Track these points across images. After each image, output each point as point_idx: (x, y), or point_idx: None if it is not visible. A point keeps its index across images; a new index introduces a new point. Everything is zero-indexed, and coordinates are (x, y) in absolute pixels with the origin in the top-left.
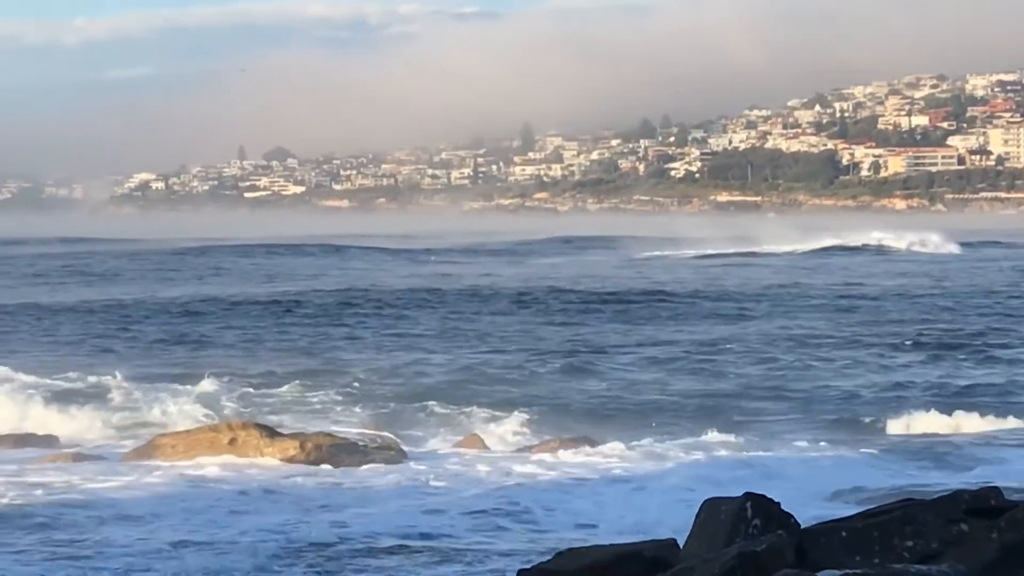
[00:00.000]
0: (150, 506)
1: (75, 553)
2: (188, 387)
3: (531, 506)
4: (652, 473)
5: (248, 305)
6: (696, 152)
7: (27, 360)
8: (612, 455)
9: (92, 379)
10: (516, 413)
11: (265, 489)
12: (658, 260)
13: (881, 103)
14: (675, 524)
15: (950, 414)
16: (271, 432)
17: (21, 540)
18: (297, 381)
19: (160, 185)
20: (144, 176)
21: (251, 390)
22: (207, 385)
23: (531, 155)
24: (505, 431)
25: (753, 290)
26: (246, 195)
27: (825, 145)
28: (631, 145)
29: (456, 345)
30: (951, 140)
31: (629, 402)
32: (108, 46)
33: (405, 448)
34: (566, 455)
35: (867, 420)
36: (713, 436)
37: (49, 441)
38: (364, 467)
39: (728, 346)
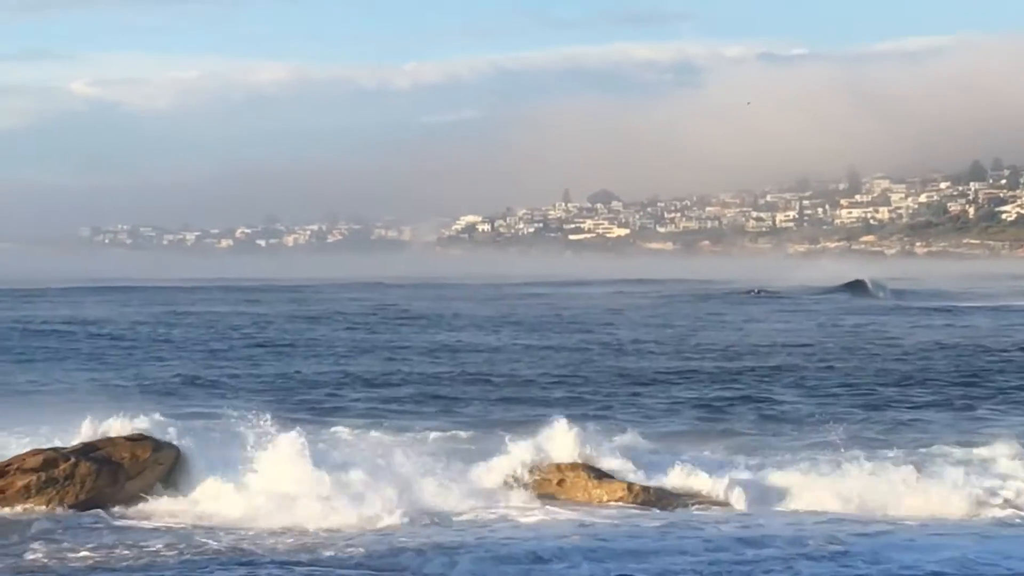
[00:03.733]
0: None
1: None
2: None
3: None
4: None
5: None
6: None
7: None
8: None
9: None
10: None
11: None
12: None
13: None
14: None
15: None
16: (599, 474)
17: None
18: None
19: (486, 227)
20: (470, 218)
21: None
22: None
23: (857, 198)
24: None
25: None
26: (570, 237)
27: None
28: (960, 188)
29: None
30: None
31: None
32: (437, 90)
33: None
34: None
35: None
36: None
37: None
38: (695, 511)
39: None
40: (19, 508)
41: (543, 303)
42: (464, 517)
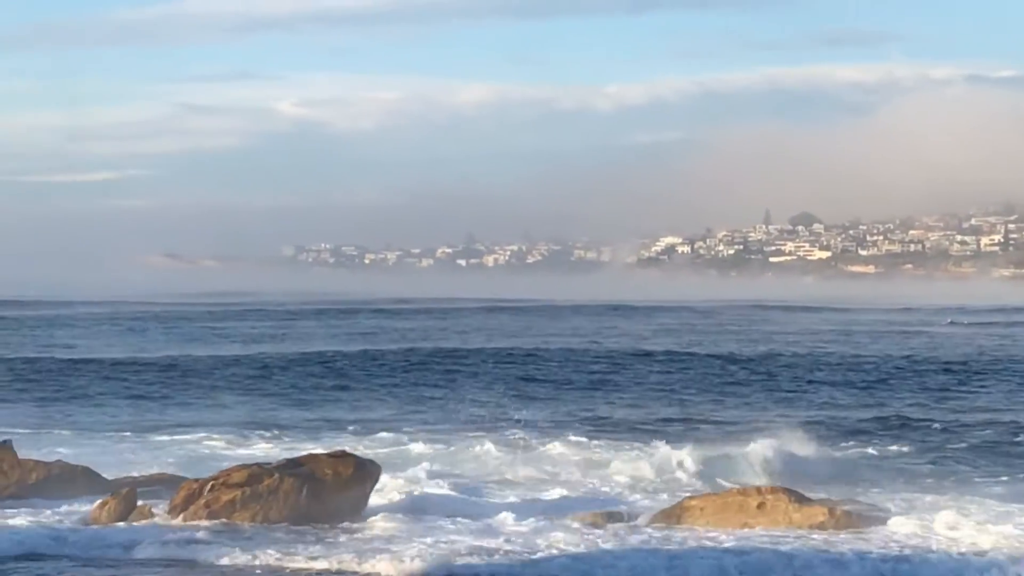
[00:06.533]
0: None
1: None
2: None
3: None
4: None
5: None
6: None
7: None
8: None
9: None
10: None
11: None
12: None
13: None
14: None
15: None
16: (800, 497)
17: None
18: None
19: (686, 249)
20: (670, 240)
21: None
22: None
23: None
24: None
25: None
26: (771, 260)
27: None
28: None
29: None
30: None
31: None
32: (639, 111)
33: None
34: None
35: None
36: None
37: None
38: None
39: None
40: (224, 522)
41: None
42: None
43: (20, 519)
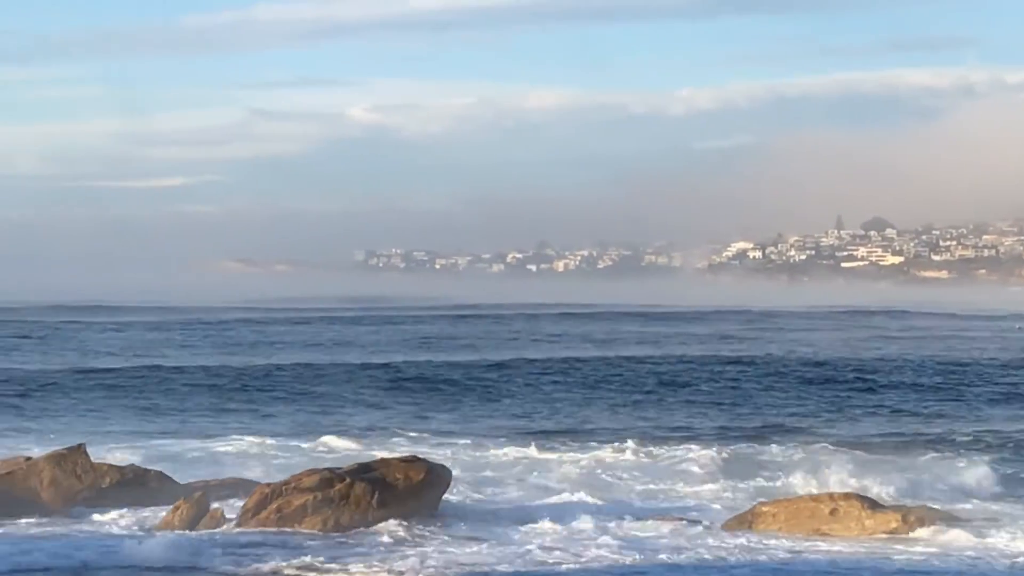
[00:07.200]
0: None
1: None
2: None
3: None
4: None
5: None
6: None
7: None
8: None
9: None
10: None
11: None
12: None
13: None
14: None
15: None
16: (872, 503)
17: None
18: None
19: (757, 254)
20: (742, 245)
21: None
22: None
23: None
24: None
25: None
26: (843, 265)
27: None
28: None
29: None
30: None
31: None
32: (711, 115)
33: None
34: None
35: None
36: None
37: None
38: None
39: None
40: (296, 527)
41: None
42: None
43: (93, 524)
